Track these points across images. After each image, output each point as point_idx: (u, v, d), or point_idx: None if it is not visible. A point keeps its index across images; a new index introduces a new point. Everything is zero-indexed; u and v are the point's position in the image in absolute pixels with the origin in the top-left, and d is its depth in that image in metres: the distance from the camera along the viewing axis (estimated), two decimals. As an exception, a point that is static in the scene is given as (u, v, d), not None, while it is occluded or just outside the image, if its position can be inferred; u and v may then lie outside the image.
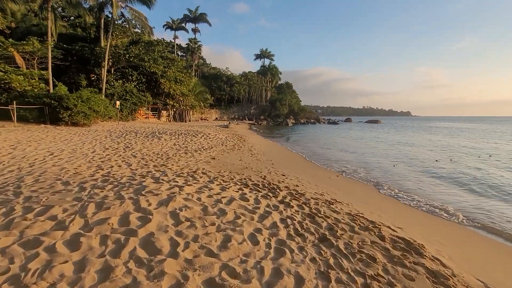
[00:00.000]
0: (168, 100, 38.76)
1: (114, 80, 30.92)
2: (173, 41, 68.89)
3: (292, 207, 4.84)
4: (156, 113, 38.69)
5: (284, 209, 4.64)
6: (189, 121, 43.34)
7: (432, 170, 10.81)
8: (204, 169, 8.04)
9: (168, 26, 68.86)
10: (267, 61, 79.56)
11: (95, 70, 30.08)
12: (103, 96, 26.79)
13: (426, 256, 3.38)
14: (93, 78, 30.30)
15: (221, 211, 4.07)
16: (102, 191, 4.43)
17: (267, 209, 4.53)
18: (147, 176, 6.07)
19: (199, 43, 62.35)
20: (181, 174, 6.69)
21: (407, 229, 4.53)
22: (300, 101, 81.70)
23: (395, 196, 7.35)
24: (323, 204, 5.28)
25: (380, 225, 4.33)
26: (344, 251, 3.33)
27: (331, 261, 3.06)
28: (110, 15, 28.43)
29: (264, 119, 62.51)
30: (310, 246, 3.38)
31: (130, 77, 33.39)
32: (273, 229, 3.76)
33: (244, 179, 7.04)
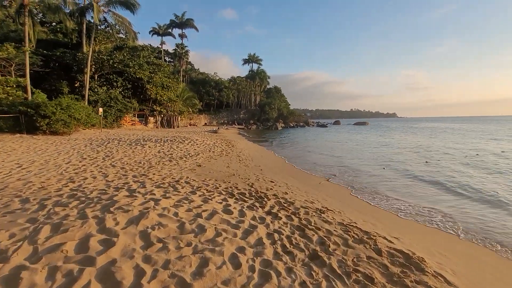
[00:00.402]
0: (155, 106, 37.95)
1: (98, 87, 29.95)
2: (160, 46, 68.11)
3: (280, 218, 4.44)
4: (143, 120, 37.75)
5: (271, 222, 4.23)
6: (177, 127, 42.51)
7: (422, 173, 10.65)
8: (188, 177, 7.55)
9: (155, 32, 68.09)
10: (255, 66, 79.80)
11: (77, 76, 29.07)
12: (86, 103, 25.86)
13: (428, 272, 3.04)
14: (76, 85, 29.25)
15: (200, 228, 3.62)
16: (64, 210, 3.89)
17: (253, 222, 4.11)
18: (123, 188, 5.54)
19: (186, 49, 61.85)
20: (161, 185, 6.19)
21: (404, 239, 4.20)
22: (289, 104, 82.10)
23: (387, 203, 7.06)
24: (314, 213, 4.90)
25: (375, 236, 3.99)
26: (338, 271, 2.94)
27: (324, 284, 2.67)
28: (92, 20, 27.63)
29: (254, 124, 62.25)
30: (299, 267, 2.98)
31: (115, 83, 32.45)
32: (258, 247, 3.33)
33: (230, 187, 6.61)
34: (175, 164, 9.62)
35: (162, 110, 38.98)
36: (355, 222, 4.66)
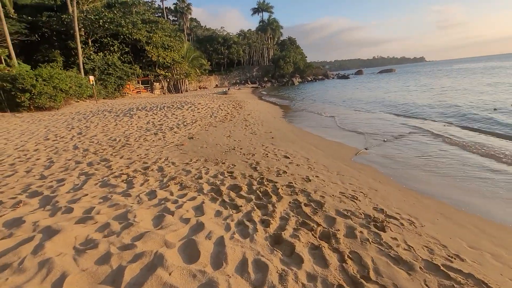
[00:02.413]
0: (158, 70, 35.08)
1: (93, 53, 27.39)
2: (160, 5, 62.39)
3: (301, 261, 2.10)
4: (148, 87, 35.42)
5: (283, 277, 1.91)
6: (186, 91, 39.94)
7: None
8: (167, 159, 5.35)
9: (152, -13, 62.03)
10: (266, 15, 71.97)
11: (70, 43, 26.50)
12: (82, 73, 23.75)
13: None
14: (73, 53, 26.81)
15: None
16: None
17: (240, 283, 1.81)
18: (37, 196, 3.40)
19: (188, 2, 55.91)
20: (113, 180, 4.02)
21: None
22: (306, 57, 75.15)
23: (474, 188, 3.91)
24: (366, 233, 2.51)
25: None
26: None
27: None
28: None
29: (268, 81, 58.01)
30: None
31: (111, 48, 29.65)
32: None
33: (221, 174, 4.32)
34: (159, 139, 7.41)
35: (167, 74, 36.12)
36: (456, 254, 2.23)
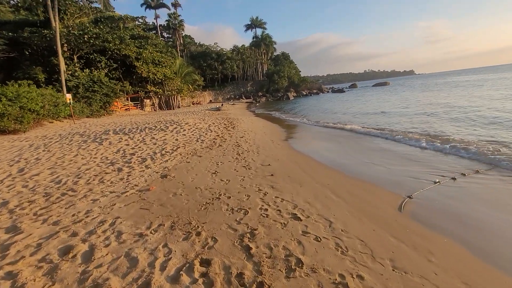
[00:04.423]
0: (149, 86, 33.50)
1: (79, 70, 25.72)
2: (154, 22, 62.04)
3: None
4: (138, 103, 33.67)
5: None
6: (178, 107, 38.26)
7: None
8: (113, 223, 3.49)
9: (147, 5, 61.93)
10: (259, 31, 72.14)
11: (53, 60, 24.86)
12: (64, 90, 21.98)
13: None
14: (57, 70, 25.10)
15: None
16: None
17: None
18: None
19: (180, 18, 55.57)
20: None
21: None
22: (300, 71, 74.87)
23: None
24: None
25: None
26: None
27: None
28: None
29: (263, 96, 56.93)
30: None
31: (98, 64, 28.07)
32: None
33: (188, 269, 2.49)
34: (121, 178, 5.51)
35: (158, 90, 34.53)
36: None
